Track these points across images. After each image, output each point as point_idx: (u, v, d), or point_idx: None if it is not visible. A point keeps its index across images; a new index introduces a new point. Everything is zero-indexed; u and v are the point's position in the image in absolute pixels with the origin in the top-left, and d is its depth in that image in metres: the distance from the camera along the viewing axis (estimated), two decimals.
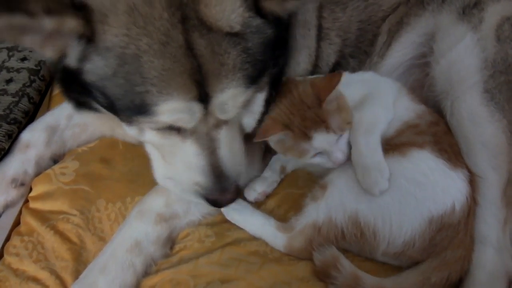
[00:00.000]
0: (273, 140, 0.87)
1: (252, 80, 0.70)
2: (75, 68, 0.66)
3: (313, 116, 0.81)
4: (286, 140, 0.84)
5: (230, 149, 0.78)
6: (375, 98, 0.89)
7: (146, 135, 0.77)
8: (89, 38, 0.63)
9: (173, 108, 0.66)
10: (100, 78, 0.65)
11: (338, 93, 0.84)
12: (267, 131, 0.83)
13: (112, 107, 0.70)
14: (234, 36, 0.66)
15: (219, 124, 0.75)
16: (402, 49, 1.04)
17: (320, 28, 1.01)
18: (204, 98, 0.67)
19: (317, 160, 0.86)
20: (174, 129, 0.74)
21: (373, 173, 0.80)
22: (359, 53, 1.07)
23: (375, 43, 1.06)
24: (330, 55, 1.05)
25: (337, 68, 1.08)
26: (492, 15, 0.92)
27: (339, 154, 0.84)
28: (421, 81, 1.03)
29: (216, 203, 0.80)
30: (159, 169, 0.84)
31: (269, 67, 0.76)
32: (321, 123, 0.81)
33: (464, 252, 0.82)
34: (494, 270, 0.84)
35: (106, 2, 0.61)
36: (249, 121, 0.82)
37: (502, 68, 0.89)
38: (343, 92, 0.86)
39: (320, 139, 0.82)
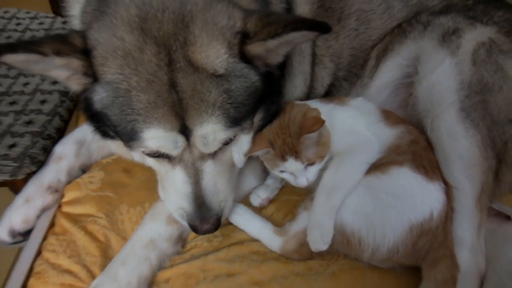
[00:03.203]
0: (258, 153, 0.93)
1: (233, 121, 0.75)
2: (89, 99, 0.76)
3: (290, 144, 0.87)
4: (268, 152, 0.91)
5: (214, 182, 0.82)
6: (354, 156, 0.89)
7: (147, 160, 0.86)
8: (93, 76, 0.74)
9: (155, 135, 0.73)
10: (103, 107, 0.75)
11: (324, 131, 0.88)
12: (254, 146, 0.89)
13: (117, 134, 0.78)
14: (218, 77, 0.72)
15: (204, 156, 0.79)
16: (389, 71, 1.10)
17: (314, 55, 1.08)
18: (185, 130, 0.74)
19: (285, 175, 0.92)
20: (165, 157, 0.79)
21: (314, 232, 0.84)
22: (351, 76, 1.14)
23: (365, 67, 1.13)
24: (324, 77, 1.12)
25: (332, 88, 1.15)
26: (469, 41, 0.98)
27: (302, 180, 0.89)
28: (406, 101, 1.09)
29: (195, 229, 0.84)
30: (160, 190, 0.91)
31: (254, 113, 0.80)
32: (294, 152, 0.87)
33: (448, 250, 0.86)
34: (468, 270, 0.88)
35: (109, 48, 0.72)
36: (240, 158, 0.87)
37: (477, 89, 0.94)
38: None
39: (291, 164, 0.88)
